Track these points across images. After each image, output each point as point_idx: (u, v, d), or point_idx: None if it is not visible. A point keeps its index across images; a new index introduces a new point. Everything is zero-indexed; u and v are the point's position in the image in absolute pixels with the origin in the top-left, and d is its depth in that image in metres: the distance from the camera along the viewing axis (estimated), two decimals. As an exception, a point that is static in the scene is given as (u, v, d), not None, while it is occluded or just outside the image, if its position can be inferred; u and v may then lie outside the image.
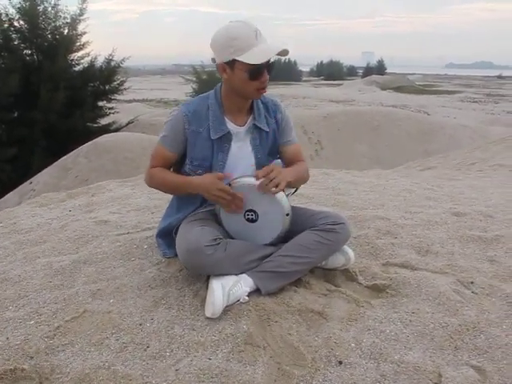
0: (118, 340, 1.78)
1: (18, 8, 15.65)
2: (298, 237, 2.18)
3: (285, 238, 2.22)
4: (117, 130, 17.00)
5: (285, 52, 2.10)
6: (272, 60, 2.13)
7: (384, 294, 2.16)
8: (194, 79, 24.44)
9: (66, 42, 16.45)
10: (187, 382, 1.58)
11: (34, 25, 15.76)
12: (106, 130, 16.91)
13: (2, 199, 11.49)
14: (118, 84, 18.46)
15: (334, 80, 53.71)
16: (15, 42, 15.99)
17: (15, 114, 15.96)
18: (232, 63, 2.08)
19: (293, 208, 2.27)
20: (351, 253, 2.29)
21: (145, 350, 1.73)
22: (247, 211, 2.18)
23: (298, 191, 3.35)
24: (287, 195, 2.36)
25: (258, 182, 2.08)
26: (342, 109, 20.26)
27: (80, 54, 17.29)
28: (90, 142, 12.37)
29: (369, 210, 3.18)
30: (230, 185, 2.12)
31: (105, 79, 18.03)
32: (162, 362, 1.68)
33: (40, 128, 15.52)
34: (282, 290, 2.10)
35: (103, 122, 18.19)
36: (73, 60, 17.19)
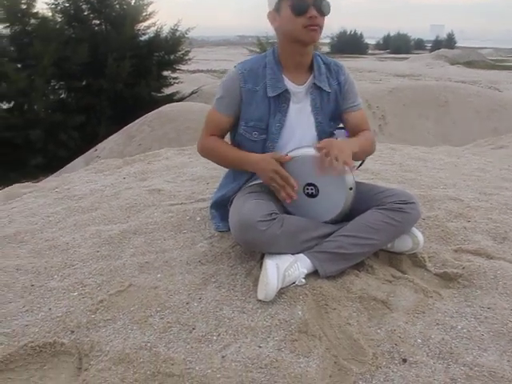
0: (162, 319, 1.66)
1: (88, -21, 15.87)
2: (362, 215, 1.99)
3: (348, 216, 2.03)
4: (180, 99, 17.01)
5: None
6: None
7: (455, 284, 1.94)
8: (258, 50, 24.10)
9: (133, 12, 16.49)
10: (233, 371, 1.44)
11: (103, -5, 15.94)
12: (170, 99, 16.93)
13: (69, 165, 11.81)
14: (182, 54, 18.42)
15: (401, 54, 51.85)
16: (85, 13, 16.20)
17: (83, 83, 16.25)
18: (278, 5, 1.99)
19: (357, 184, 2.07)
20: (420, 236, 2.07)
21: (190, 332, 1.60)
22: (307, 185, 2.00)
23: (362, 166, 3.14)
24: (352, 168, 2.17)
25: (318, 154, 1.90)
26: (408, 83, 19.51)
27: (146, 23, 17.26)
28: (153, 111, 12.46)
29: (439, 190, 2.92)
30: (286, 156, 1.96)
31: (170, 49, 18.01)
32: (208, 346, 1.54)
33: (106, 96, 15.75)
34: (342, 274, 1.92)
35: (167, 91, 18.24)
36: (139, 30, 17.21)
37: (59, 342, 1.56)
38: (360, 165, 2.37)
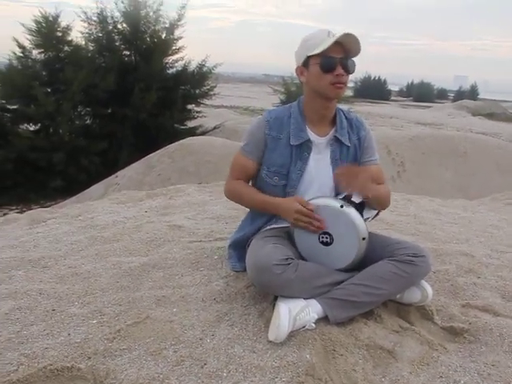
0: (176, 352, 1.74)
1: (123, 12, 16.38)
2: (373, 265, 2.06)
3: (360, 265, 2.10)
4: (203, 133, 17.27)
5: (352, 42, 2.07)
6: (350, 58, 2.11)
7: (461, 339, 1.99)
8: (283, 90, 24.46)
9: (163, 46, 16.94)
10: (241, 408, 1.50)
11: (136, 28, 16.36)
12: (193, 132, 17.23)
13: (89, 189, 12.02)
14: (207, 89, 18.78)
15: (424, 102, 52.16)
16: (116, 43, 16.70)
17: (109, 110, 16.64)
18: (307, 62, 2.12)
19: (371, 234, 2.15)
20: (429, 289, 2.13)
21: (202, 367, 1.67)
22: (322, 233, 2.08)
23: (378, 216, 3.21)
24: (367, 219, 2.25)
25: (335, 204, 2.00)
26: (428, 132, 19.60)
27: (175, 57, 17.70)
28: (175, 143, 12.67)
29: (452, 244, 2.97)
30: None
31: (196, 83, 18.39)
32: (218, 382, 1.61)
33: (130, 125, 16.07)
34: (351, 321, 1.98)
35: (190, 124, 18.54)
36: (167, 63, 17.65)
37: (76, 367, 1.63)
38: (375, 216, 2.45)
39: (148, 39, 16.97)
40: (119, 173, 12.81)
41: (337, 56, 2.05)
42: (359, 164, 2.28)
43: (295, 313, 1.85)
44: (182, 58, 17.94)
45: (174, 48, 17.59)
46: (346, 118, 2.28)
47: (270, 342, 1.82)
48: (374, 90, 53.74)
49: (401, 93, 69.04)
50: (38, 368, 1.61)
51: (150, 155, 12.75)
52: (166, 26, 17.08)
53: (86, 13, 16.19)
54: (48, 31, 15.17)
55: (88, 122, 16.87)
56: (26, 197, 13.26)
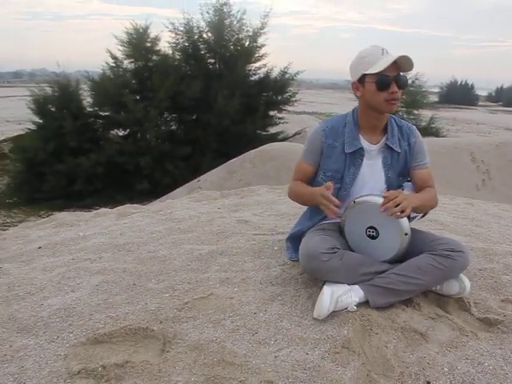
0: (232, 322, 2.05)
1: (208, 22, 17.21)
2: (414, 258, 2.26)
3: (403, 258, 2.31)
4: (284, 139, 17.59)
5: (406, 61, 2.24)
6: (402, 74, 2.29)
7: (495, 329, 2.14)
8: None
9: (246, 54, 17.54)
10: (282, 368, 1.79)
11: (220, 37, 17.14)
12: (274, 138, 17.58)
13: (172, 192, 12.62)
14: (289, 95, 19.09)
15: (514, 107, 50.04)
16: (202, 52, 17.50)
17: (194, 117, 17.37)
18: (363, 79, 2.31)
19: (415, 231, 2.37)
20: (467, 283, 2.31)
21: (253, 335, 1.98)
22: (368, 228, 2.32)
23: (434, 217, 3.37)
24: (413, 218, 2.46)
25: (381, 200, 2.22)
26: (516, 138, 18.80)
27: (257, 64, 18.25)
28: (257, 149, 13.01)
29: (504, 245, 3.08)
30: (354, 202, 2.29)
31: (278, 90, 18.76)
32: (265, 347, 1.91)
33: (213, 131, 16.68)
34: (390, 307, 2.20)
35: (272, 130, 18.91)
36: (250, 70, 18.22)
37: (150, 329, 2.00)
38: (423, 216, 2.64)
39: (232, 47, 17.62)
40: (201, 177, 13.36)
41: (391, 74, 2.25)
42: (409, 168, 2.48)
43: (338, 295, 2.11)
44: (264, 65, 18.41)
45: (256, 55, 18.08)
46: (397, 125, 2.49)
47: (314, 318, 2.09)
48: (460, 95, 52.03)
49: (489, 98, 66.24)
50: (119, 327, 1.99)
51: (232, 160, 13.20)
52: (249, 34, 17.64)
53: (173, 23, 17.14)
54: (138, 42, 16.17)
55: (173, 127, 17.70)
56: (113, 198, 14.12)
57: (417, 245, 2.32)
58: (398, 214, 2.15)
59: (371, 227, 2.31)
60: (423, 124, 22.19)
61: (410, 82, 22.89)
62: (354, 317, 2.10)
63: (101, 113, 16.60)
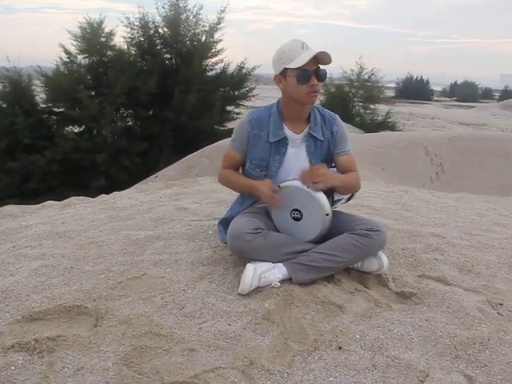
0: (162, 299, 2.19)
1: (164, 16, 17.19)
2: (335, 238, 2.45)
3: (326, 238, 2.49)
4: (241, 134, 17.66)
5: (324, 56, 2.40)
6: (321, 68, 2.44)
7: (408, 301, 2.34)
8: (323, 91, 24.68)
9: (203, 49, 17.57)
10: (205, 338, 1.94)
11: (176, 32, 17.14)
12: (231, 133, 17.61)
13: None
14: (246, 91, 19.22)
15: (468, 102, 51.44)
16: (158, 47, 17.46)
17: (150, 112, 17.32)
18: (284, 72, 2.45)
19: (338, 213, 2.56)
20: (385, 260, 2.50)
21: (180, 310, 2.12)
22: (293, 210, 2.49)
23: (367, 203, 3.58)
24: (339, 201, 2.65)
25: (303, 186, 2.39)
26: (468, 132, 19.40)
27: (214, 60, 18.31)
28: (214, 144, 13.08)
29: (428, 227, 3.30)
30: (279, 186, 2.46)
31: (235, 85, 18.86)
32: (191, 320, 2.05)
33: (170, 126, 16.69)
34: (313, 283, 2.37)
35: (230, 125, 18.95)
36: (207, 65, 18.26)
37: (84, 306, 2.12)
38: (348, 199, 2.82)
39: (188, 42, 17.61)
40: (159, 173, 13.35)
41: (311, 68, 2.40)
42: (332, 154, 2.65)
43: (260, 271, 2.28)
44: (221, 61, 18.47)
45: (213, 51, 18.12)
46: (321, 114, 2.64)
47: (240, 294, 2.24)
48: (416, 91, 53.19)
49: (444, 93, 67.97)
50: (54, 305, 2.10)
51: (189, 156, 13.23)
52: (206, 29, 17.65)
53: (128, 18, 17.02)
54: (92, 37, 16.00)
55: (130, 123, 17.56)
56: (69, 196, 13.94)
57: (338, 225, 2.50)
58: (313, 184, 2.34)
59: (295, 210, 2.48)
60: (380, 118, 22.71)
61: (366, 77, 23.38)
62: (278, 292, 2.26)
63: (55, 109, 16.38)
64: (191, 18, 17.45)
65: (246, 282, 2.22)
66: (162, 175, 12.96)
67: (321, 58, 2.42)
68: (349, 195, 2.78)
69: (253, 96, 19.48)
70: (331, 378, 1.80)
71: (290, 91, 2.48)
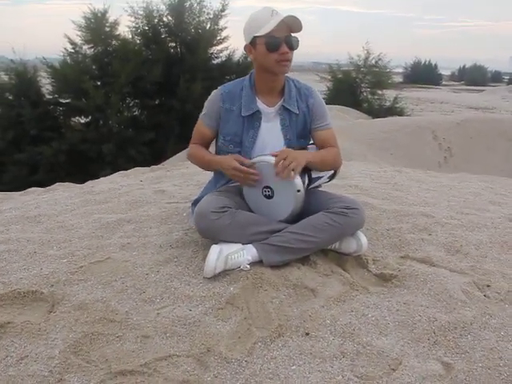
0: (123, 283, 2.08)
1: (168, 5, 16.95)
2: (310, 217, 2.30)
3: (301, 217, 2.34)
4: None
5: (294, 21, 2.26)
6: (293, 35, 2.30)
7: (388, 284, 2.20)
8: (329, 77, 24.44)
9: (207, 36, 17.32)
10: (162, 324, 1.82)
11: (180, 20, 16.87)
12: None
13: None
14: (252, 78, 19.02)
15: (477, 85, 50.67)
16: (162, 36, 17.25)
17: (156, 101, 17.20)
18: (254, 41, 2.31)
19: (315, 191, 2.43)
20: (364, 240, 2.36)
21: (140, 294, 2.00)
22: (264, 187, 2.35)
23: (355, 183, 3.43)
24: (317, 179, 2.51)
25: (273, 160, 2.25)
26: (476, 116, 19.13)
27: (219, 47, 18.04)
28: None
29: (418, 207, 3.14)
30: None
31: (241, 73, 18.59)
32: (150, 305, 1.94)
33: (176, 115, 16.55)
34: (286, 265, 2.24)
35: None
36: (212, 53, 18.04)
37: (40, 292, 2.00)
38: (333, 176, 2.67)
39: (193, 30, 17.37)
40: (165, 162, 13.31)
41: (281, 35, 2.26)
42: (310, 129, 2.51)
43: (227, 253, 2.15)
44: (226, 48, 18.20)
45: (218, 38, 17.85)
46: (296, 87, 2.49)
47: (206, 278, 2.12)
48: (424, 75, 52.53)
49: (452, 77, 67.16)
50: (9, 290, 2.00)
51: (195, 144, 13.13)
52: (210, 16, 17.42)
53: (132, 7, 16.80)
54: (97, 27, 15.88)
55: (136, 113, 17.45)
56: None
57: (314, 204, 2.36)
58: (292, 174, 2.19)
59: (266, 187, 2.34)
60: (387, 104, 22.40)
61: (373, 62, 23.06)
62: (247, 275, 2.13)
63: (61, 100, 16.31)
64: (195, 5, 17.17)
65: (209, 265, 2.10)
66: (167, 164, 12.91)
67: (291, 25, 2.28)
68: (331, 173, 2.63)
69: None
70: (294, 367, 1.67)
71: (260, 60, 2.35)
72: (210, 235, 2.29)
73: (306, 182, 2.46)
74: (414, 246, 2.57)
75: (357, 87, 23.08)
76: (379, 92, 22.70)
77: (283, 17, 2.24)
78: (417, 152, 12.88)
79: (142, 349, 1.71)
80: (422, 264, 2.37)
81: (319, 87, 29.21)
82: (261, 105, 2.44)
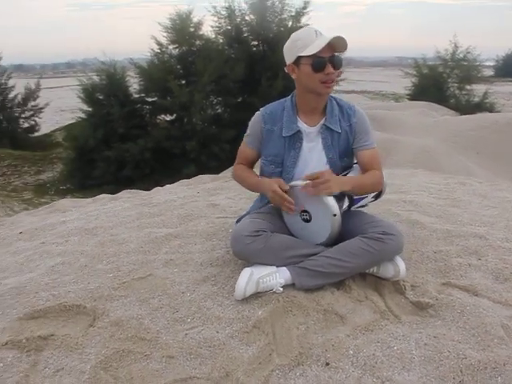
0: (159, 301, 2.19)
1: (250, 4, 17.19)
2: (346, 242, 2.30)
3: (340, 241, 2.34)
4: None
5: (340, 42, 2.26)
6: (336, 55, 2.30)
7: (423, 313, 2.14)
8: (415, 73, 23.66)
9: (289, 34, 17.33)
10: (188, 345, 1.91)
11: (262, 18, 17.05)
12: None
13: (219, 175, 12.83)
14: (336, 75, 18.83)
15: None
16: (244, 35, 17.52)
17: (238, 99, 17.49)
18: (298, 61, 2.33)
19: (354, 214, 2.43)
20: (402, 266, 2.32)
21: (173, 313, 2.11)
22: (302, 211, 2.38)
23: (411, 198, 3.35)
24: (358, 200, 2.51)
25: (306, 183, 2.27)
26: None
27: (301, 44, 18.09)
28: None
29: (472, 227, 3.01)
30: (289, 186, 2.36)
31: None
32: (180, 325, 2.03)
33: (257, 113, 16.73)
34: (319, 289, 2.25)
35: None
36: (294, 50, 18.08)
37: (83, 306, 2.17)
38: (377, 197, 2.64)
39: (274, 28, 17.49)
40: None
41: (326, 56, 2.27)
42: (353, 149, 2.50)
43: (258, 276, 2.20)
44: (316, 45, 18.19)
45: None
46: (338, 105, 2.49)
47: (238, 299, 2.19)
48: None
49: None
50: (57, 303, 2.17)
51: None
52: (292, 14, 17.46)
53: (215, 7, 17.20)
54: (182, 27, 16.39)
55: (219, 111, 17.84)
56: (160, 181, 14.50)
57: (352, 228, 2.36)
58: (313, 190, 2.22)
59: (304, 211, 2.37)
60: (476, 99, 21.41)
61: (461, 56, 22.09)
62: (279, 298, 2.17)
63: (147, 99, 17.01)
64: (277, 3, 17.29)
65: (239, 289, 2.16)
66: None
67: (336, 45, 2.29)
68: (373, 195, 2.61)
69: (341, 80, 19.03)
70: (308, 398, 1.70)
71: (304, 81, 2.36)
72: (245, 258, 2.36)
73: (346, 204, 2.46)
74: (460, 271, 2.47)
75: (443, 82, 22.21)
76: (467, 87, 21.74)
77: (331, 38, 2.24)
78: (506, 150, 12.08)
79: (165, 369, 1.81)
80: (463, 292, 2.28)
81: (404, 83, 28.37)
82: (302, 124, 2.46)
